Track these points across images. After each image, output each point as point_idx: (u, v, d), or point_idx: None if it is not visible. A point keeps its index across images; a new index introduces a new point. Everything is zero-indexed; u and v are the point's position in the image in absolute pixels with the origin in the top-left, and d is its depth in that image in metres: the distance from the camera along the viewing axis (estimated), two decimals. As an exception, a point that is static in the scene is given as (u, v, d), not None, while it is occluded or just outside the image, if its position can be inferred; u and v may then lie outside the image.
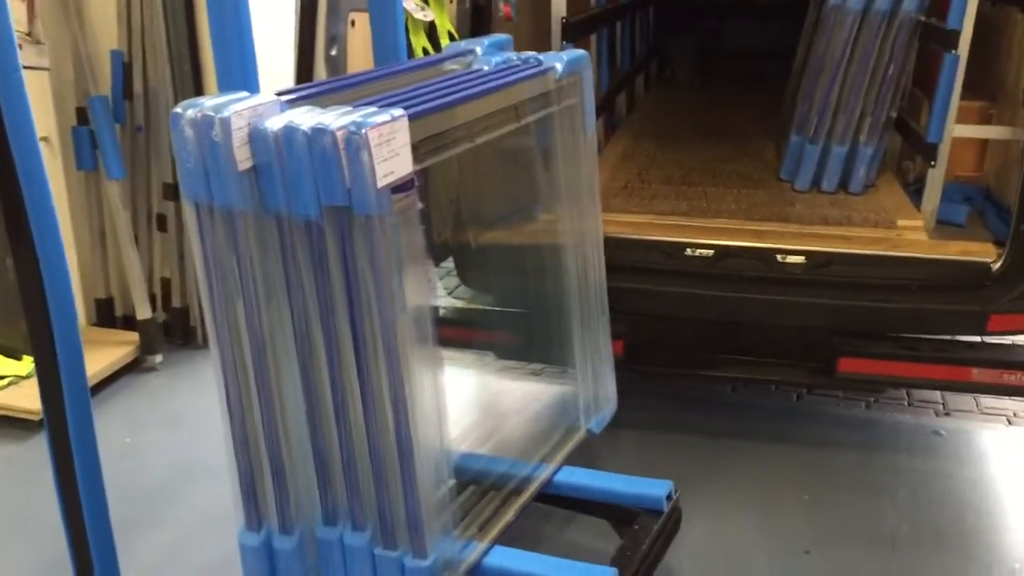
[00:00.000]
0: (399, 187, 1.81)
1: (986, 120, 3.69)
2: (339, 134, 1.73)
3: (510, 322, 3.05)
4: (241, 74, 1.92)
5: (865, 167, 3.63)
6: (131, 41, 3.75)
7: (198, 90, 3.69)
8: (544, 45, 3.68)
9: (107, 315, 4.01)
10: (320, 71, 2.46)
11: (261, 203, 1.83)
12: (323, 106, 1.88)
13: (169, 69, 3.72)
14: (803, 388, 3.48)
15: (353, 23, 2.53)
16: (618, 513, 2.46)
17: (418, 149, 1.87)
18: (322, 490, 2.01)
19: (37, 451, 3.08)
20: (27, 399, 3.36)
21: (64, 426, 2.19)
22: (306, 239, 1.84)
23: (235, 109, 1.76)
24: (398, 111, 1.81)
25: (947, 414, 3.45)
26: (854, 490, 2.96)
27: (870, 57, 3.51)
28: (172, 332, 4.01)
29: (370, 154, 1.72)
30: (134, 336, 3.84)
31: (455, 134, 2.01)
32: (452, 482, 2.10)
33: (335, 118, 1.77)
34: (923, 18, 3.45)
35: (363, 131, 1.72)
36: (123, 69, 3.75)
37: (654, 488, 2.44)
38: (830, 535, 2.75)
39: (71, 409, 2.17)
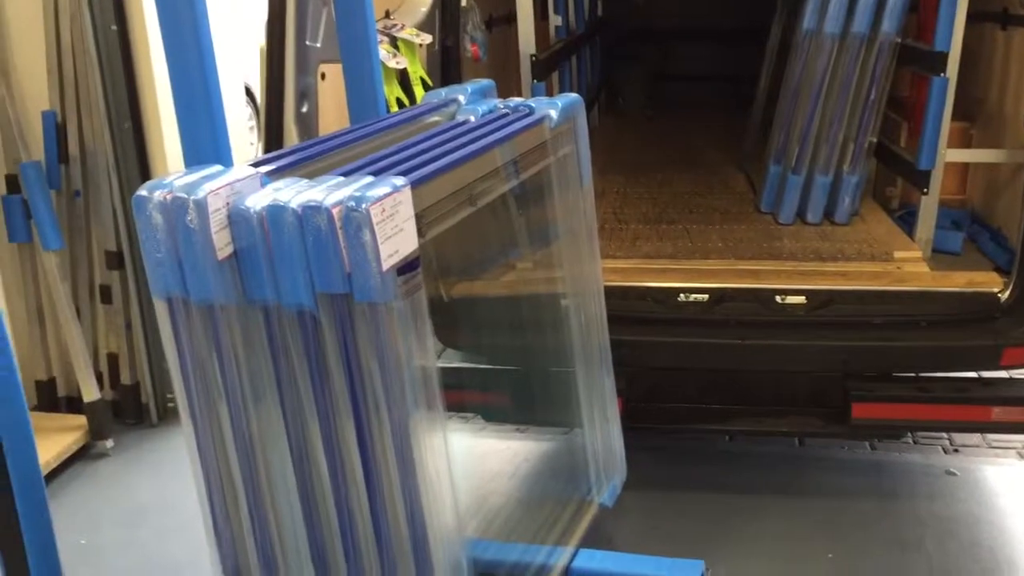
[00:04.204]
0: (404, 267, 1.58)
1: (967, 142, 3.60)
2: (335, 211, 1.50)
3: (502, 382, 2.83)
4: (211, 143, 1.68)
5: (850, 196, 3.49)
6: (64, 99, 3.45)
7: (140, 149, 3.42)
8: (508, 82, 3.49)
9: (49, 398, 3.67)
10: (291, 131, 2.23)
11: (244, 293, 1.59)
12: (308, 176, 1.65)
13: (108, 128, 3.42)
14: (816, 436, 3.30)
15: (323, 76, 2.30)
16: (647, 600, 2.24)
17: (421, 221, 1.64)
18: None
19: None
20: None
21: (17, 533, 1.91)
22: (299, 331, 1.59)
23: (210, 188, 1.51)
24: (399, 180, 1.58)
25: (956, 450, 3.30)
26: (879, 544, 2.77)
27: (851, 82, 3.37)
28: (122, 412, 3.68)
29: (373, 233, 1.49)
30: (81, 420, 3.50)
31: (457, 199, 1.79)
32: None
33: (327, 192, 1.53)
34: (899, 40, 3.34)
35: (363, 207, 1.48)
36: (56, 130, 3.45)
37: (685, 571, 2.22)
38: (864, 599, 2.57)
39: (26, 513, 1.89)
